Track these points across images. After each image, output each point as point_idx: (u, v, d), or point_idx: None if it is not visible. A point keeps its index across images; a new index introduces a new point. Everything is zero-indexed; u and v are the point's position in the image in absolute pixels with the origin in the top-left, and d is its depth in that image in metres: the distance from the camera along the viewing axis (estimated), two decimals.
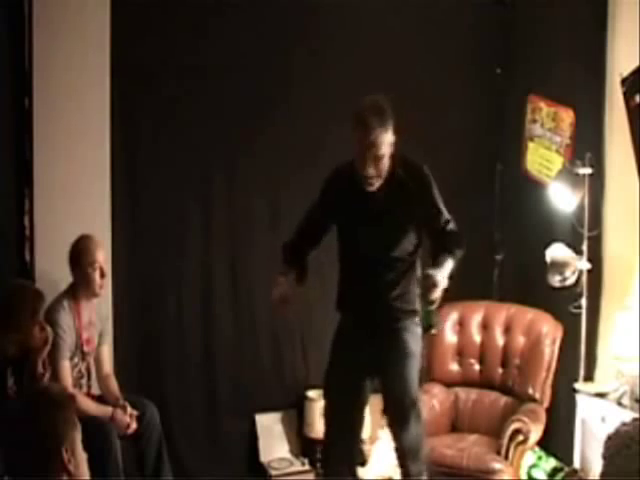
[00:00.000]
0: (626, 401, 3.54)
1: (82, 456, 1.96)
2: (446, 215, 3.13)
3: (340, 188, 3.15)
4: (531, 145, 4.49)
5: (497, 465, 3.66)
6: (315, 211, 3.27)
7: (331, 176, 3.21)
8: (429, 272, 2.89)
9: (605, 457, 1.70)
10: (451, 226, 3.13)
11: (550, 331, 4.05)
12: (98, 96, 3.83)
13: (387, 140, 2.95)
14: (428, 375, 4.16)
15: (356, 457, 3.28)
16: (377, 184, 3.02)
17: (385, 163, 2.99)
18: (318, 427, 4.32)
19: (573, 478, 3.62)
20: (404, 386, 3.11)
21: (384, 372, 3.20)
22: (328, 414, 3.32)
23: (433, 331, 3.07)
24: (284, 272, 3.25)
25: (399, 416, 3.15)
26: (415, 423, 3.13)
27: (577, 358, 3.90)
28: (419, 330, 3.17)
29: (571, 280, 3.88)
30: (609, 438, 1.72)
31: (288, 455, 4.39)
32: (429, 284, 2.86)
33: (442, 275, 2.89)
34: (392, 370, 3.14)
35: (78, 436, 1.97)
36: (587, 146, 3.99)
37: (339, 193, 3.14)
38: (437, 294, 2.88)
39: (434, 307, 2.92)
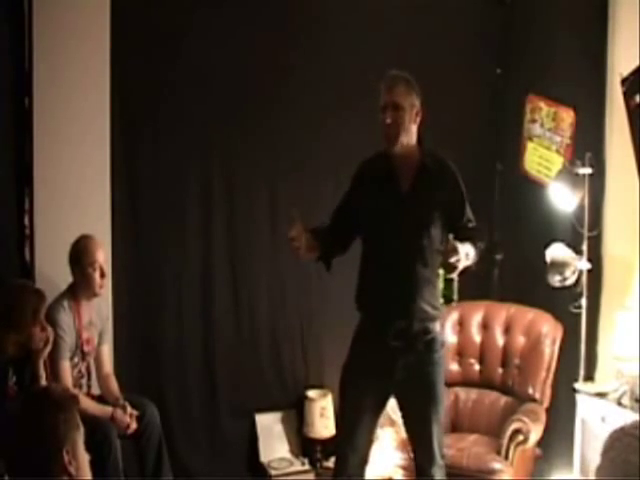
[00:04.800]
0: (626, 401, 3.54)
1: (84, 458, 1.94)
2: (469, 214, 3.12)
3: (368, 176, 3.10)
4: (530, 145, 4.49)
5: (497, 465, 3.66)
6: (342, 208, 3.16)
7: (358, 168, 3.15)
8: (449, 240, 2.85)
9: (602, 454, 1.73)
10: (472, 224, 3.12)
11: (550, 331, 4.05)
12: (98, 96, 3.83)
13: (409, 99, 2.98)
14: None
15: (366, 459, 3.22)
16: (396, 142, 2.98)
17: (404, 119, 2.97)
18: (318, 427, 4.33)
19: None
20: (430, 449, 3.08)
21: (411, 420, 3.16)
22: (342, 420, 3.24)
23: (453, 304, 3.03)
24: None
25: (423, 473, 3.14)
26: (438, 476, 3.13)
27: (577, 358, 3.90)
28: (443, 355, 3.14)
29: (571, 280, 3.88)
30: (609, 436, 1.74)
31: (288, 455, 4.40)
32: (450, 248, 2.81)
33: (462, 248, 2.84)
34: (419, 425, 3.10)
35: (80, 437, 1.94)
36: (587, 146, 3.99)
37: (367, 180, 3.09)
38: (456, 260, 2.81)
39: (454, 276, 2.87)
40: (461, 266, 2.85)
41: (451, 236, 2.86)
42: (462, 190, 3.10)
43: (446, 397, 3.98)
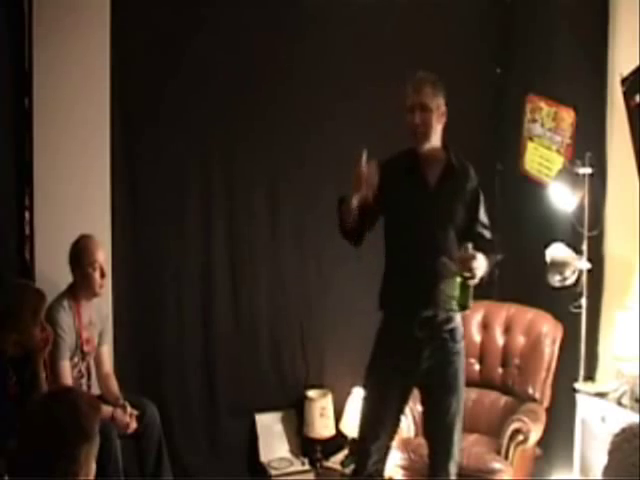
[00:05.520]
0: (626, 401, 3.54)
1: (92, 473, 1.83)
2: (484, 219, 3.16)
3: (394, 170, 3.10)
4: (530, 145, 4.49)
5: (497, 465, 3.66)
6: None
7: (384, 162, 3.11)
8: (468, 247, 2.89)
9: (608, 453, 1.73)
10: (487, 233, 3.16)
11: (550, 331, 4.06)
12: (98, 96, 3.83)
13: (435, 101, 3.02)
14: None
15: (385, 458, 3.23)
16: (425, 142, 3.03)
17: (432, 120, 3.01)
18: (318, 427, 4.33)
19: None
20: (451, 441, 3.11)
21: (433, 411, 3.17)
22: (365, 417, 3.22)
23: (467, 311, 3.07)
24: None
25: (439, 468, 3.15)
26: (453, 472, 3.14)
27: (577, 358, 3.90)
28: (464, 346, 3.17)
29: (571, 280, 3.88)
30: (614, 435, 1.74)
31: (288, 455, 4.39)
32: (468, 256, 2.87)
33: (480, 256, 2.90)
34: (442, 415, 3.12)
35: (94, 457, 1.82)
36: (587, 146, 3.98)
37: (394, 174, 3.08)
38: (475, 268, 2.87)
39: (471, 284, 2.92)
40: (479, 274, 2.90)
41: (470, 244, 2.91)
42: (479, 195, 3.15)
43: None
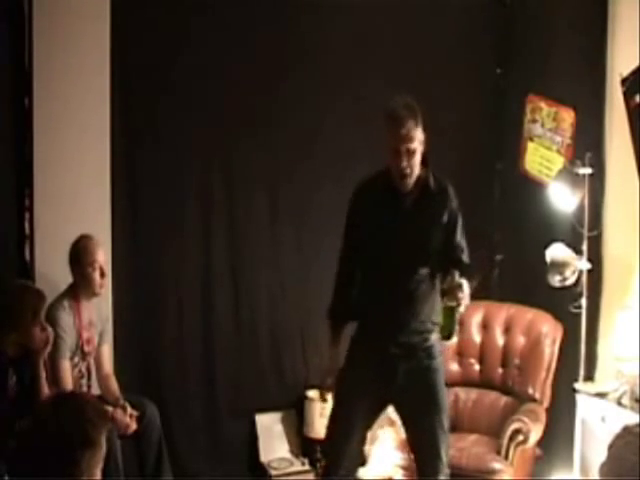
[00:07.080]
0: (626, 401, 3.54)
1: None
2: (461, 241, 3.09)
3: (369, 194, 3.09)
4: (531, 145, 4.49)
5: (497, 465, 3.66)
6: (350, 239, 3.14)
7: (356, 191, 3.13)
8: (454, 276, 2.86)
9: (607, 450, 1.77)
10: (465, 257, 3.10)
11: (550, 331, 4.06)
12: (98, 96, 3.83)
13: (418, 136, 2.93)
14: None
15: (357, 462, 3.25)
16: (410, 182, 2.97)
17: (417, 160, 2.94)
18: (318, 427, 4.32)
19: None
20: (437, 458, 3.05)
21: (413, 428, 3.14)
22: (333, 423, 3.21)
23: (452, 340, 3.05)
24: (337, 341, 3.22)
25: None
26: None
27: (577, 358, 3.90)
28: (442, 360, 3.14)
29: (571, 280, 3.88)
30: (616, 433, 1.78)
31: (288, 455, 4.40)
32: (455, 285, 2.84)
33: (465, 284, 2.87)
34: (424, 434, 3.08)
35: (100, 467, 1.80)
36: (587, 146, 3.99)
37: (368, 199, 3.08)
38: (461, 297, 2.85)
39: (457, 314, 2.91)
40: (465, 302, 2.87)
41: (457, 272, 2.87)
42: (458, 217, 3.08)
43: (446, 398, 3.99)
